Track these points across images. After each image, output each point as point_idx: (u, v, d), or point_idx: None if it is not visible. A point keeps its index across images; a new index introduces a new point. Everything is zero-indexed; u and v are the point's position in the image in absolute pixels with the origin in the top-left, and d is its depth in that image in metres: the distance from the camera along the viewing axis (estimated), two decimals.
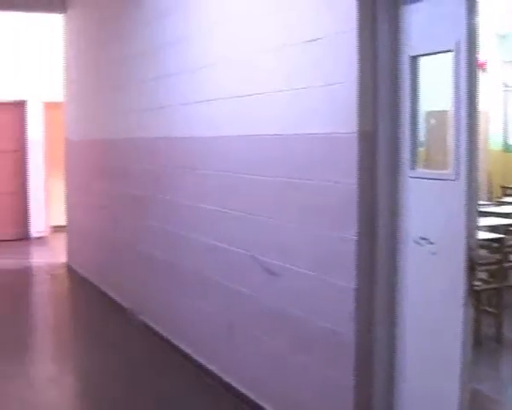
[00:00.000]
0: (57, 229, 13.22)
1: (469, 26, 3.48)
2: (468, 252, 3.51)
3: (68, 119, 10.80)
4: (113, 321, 7.78)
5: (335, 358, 4.21)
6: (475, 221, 3.62)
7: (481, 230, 6.34)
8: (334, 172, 4.14)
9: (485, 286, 6.53)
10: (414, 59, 3.83)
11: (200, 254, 6.00)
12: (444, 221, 3.68)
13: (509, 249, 7.08)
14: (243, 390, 5.30)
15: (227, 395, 5.47)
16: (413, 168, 3.87)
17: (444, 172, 3.73)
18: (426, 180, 3.80)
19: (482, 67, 10.50)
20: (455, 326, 3.59)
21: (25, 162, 13.54)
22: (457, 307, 3.56)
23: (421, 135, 3.92)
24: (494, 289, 6.63)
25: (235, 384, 5.43)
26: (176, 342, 6.54)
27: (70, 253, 10.97)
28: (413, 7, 3.81)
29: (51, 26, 11.85)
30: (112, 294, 8.56)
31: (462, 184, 3.54)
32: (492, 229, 7.00)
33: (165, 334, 6.81)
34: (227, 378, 5.55)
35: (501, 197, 10.42)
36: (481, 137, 8.01)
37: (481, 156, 7.88)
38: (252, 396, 5.18)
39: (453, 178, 3.58)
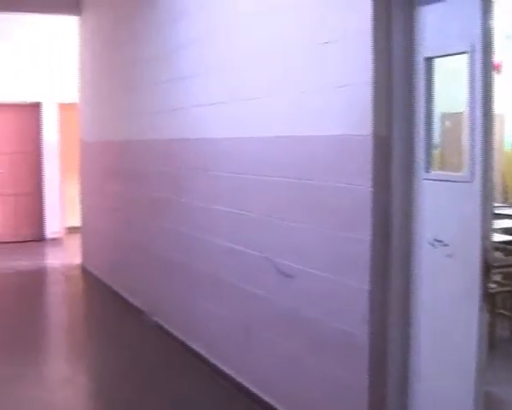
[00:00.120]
0: (72, 230, 13.28)
1: (484, 27, 3.47)
2: (483, 254, 3.50)
3: (83, 120, 10.84)
4: (127, 322, 7.80)
5: (349, 359, 4.20)
6: (490, 223, 3.60)
7: (496, 232, 6.30)
8: (349, 173, 4.14)
9: (500, 289, 6.49)
10: (429, 60, 3.81)
11: (214, 256, 6.00)
12: (458, 223, 3.67)
13: None
14: (257, 392, 5.30)
15: (240, 396, 5.47)
16: (428, 170, 3.85)
17: (459, 174, 3.72)
18: (441, 182, 3.79)
19: (497, 68, 10.47)
20: (469, 328, 3.57)
21: (40, 164, 13.60)
22: (472, 310, 3.55)
23: (436, 137, 3.90)
24: (509, 291, 6.59)
25: (248, 386, 5.43)
26: (190, 343, 6.55)
27: (85, 254, 11.01)
28: (428, 8, 3.80)
29: (66, 29, 11.90)
30: (126, 295, 8.58)
31: (477, 186, 3.52)
32: (507, 231, 6.96)
33: (179, 335, 6.82)
34: (241, 380, 5.55)
35: None
36: (496, 139, 7.97)
37: (496, 158, 7.85)
38: (265, 398, 5.18)
39: (468, 179, 3.57)
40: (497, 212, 7.08)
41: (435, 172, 3.85)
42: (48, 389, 5.90)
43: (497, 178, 9.73)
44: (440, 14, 3.73)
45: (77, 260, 11.22)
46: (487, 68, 3.48)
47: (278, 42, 4.91)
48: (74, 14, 10.80)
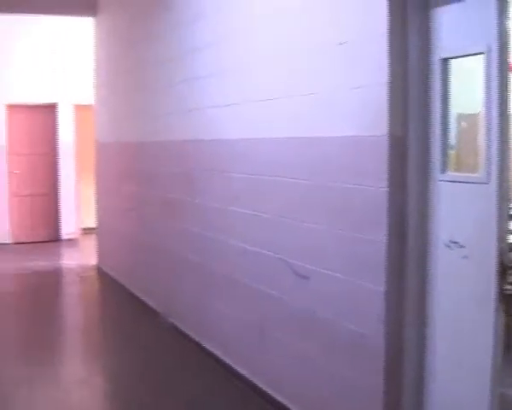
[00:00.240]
0: (87, 231, 13.33)
1: (501, 28, 3.46)
2: (499, 255, 3.49)
3: (98, 121, 10.88)
4: (142, 323, 7.82)
5: (364, 360, 4.19)
6: (506, 224, 3.58)
7: None
8: (364, 174, 4.13)
9: None
10: (445, 61, 3.80)
11: (229, 257, 6.01)
12: (474, 225, 3.65)
13: None
14: (271, 392, 5.30)
15: (255, 396, 5.48)
16: (444, 171, 3.84)
17: (474, 175, 3.70)
18: (456, 183, 3.77)
19: None
20: (485, 330, 3.56)
21: (56, 164, 13.66)
22: (488, 311, 3.53)
23: (452, 138, 3.89)
24: None
25: (262, 386, 5.43)
26: (204, 344, 6.56)
27: (100, 255, 11.05)
28: (444, 9, 3.79)
29: (82, 30, 11.96)
30: (142, 296, 8.60)
31: (493, 187, 3.51)
32: None
33: (194, 336, 6.83)
34: (255, 380, 5.55)
35: None
36: None
37: None
38: (279, 398, 5.18)
39: (484, 181, 3.56)
40: None
41: (451, 173, 3.83)
42: (63, 389, 5.92)
43: None
44: (456, 15, 3.72)
45: (92, 260, 11.27)
46: (503, 69, 3.46)
47: (293, 43, 4.91)
48: (90, 16, 10.85)
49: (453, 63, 3.79)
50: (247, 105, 5.62)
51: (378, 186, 3.99)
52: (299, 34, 4.82)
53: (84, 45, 11.88)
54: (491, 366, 3.54)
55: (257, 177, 5.45)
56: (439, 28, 3.82)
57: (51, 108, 13.50)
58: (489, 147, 3.51)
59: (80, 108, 13.40)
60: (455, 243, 3.75)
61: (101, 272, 10.73)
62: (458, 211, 3.75)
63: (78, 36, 12.66)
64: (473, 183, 3.67)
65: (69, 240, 13.62)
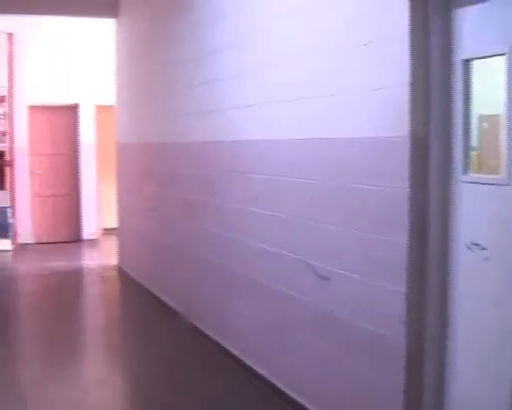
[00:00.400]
0: (108, 231, 13.36)
1: None
2: None
3: (120, 122, 10.93)
4: (163, 324, 7.84)
5: (385, 360, 4.18)
6: None
7: None
8: (386, 175, 4.11)
9: None
10: (466, 62, 3.78)
11: (249, 258, 6.01)
12: (496, 227, 3.63)
13: None
14: (290, 393, 5.30)
15: (274, 397, 5.48)
16: (465, 173, 3.82)
17: (496, 176, 3.68)
18: (478, 185, 3.75)
19: None
20: (507, 331, 3.54)
21: (77, 165, 13.73)
22: (509, 313, 3.51)
23: (474, 139, 3.86)
24: None
25: (282, 386, 5.43)
26: (224, 344, 6.56)
27: (121, 255, 11.09)
28: (465, 10, 3.77)
29: (103, 31, 12.02)
30: (162, 296, 8.62)
31: None
32: None
33: (214, 337, 6.84)
34: (274, 381, 5.55)
35: None
36: None
37: None
38: (299, 399, 5.17)
39: (506, 182, 3.53)
40: None
41: (473, 175, 3.81)
42: (84, 389, 5.95)
43: None
44: (478, 16, 3.70)
45: (113, 261, 11.31)
46: None
47: (313, 44, 4.90)
48: (112, 17, 10.91)
49: (475, 64, 3.77)
50: (267, 106, 5.62)
51: (399, 187, 3.97)
52: (320, 35, 4.81)
53: (105, 46, 11.94)
54: None
55: (276, 178, 5.45)
56: (460, 29, 3.80)
57: (73, 109, 13.57)
58: (511, 148, 3.49)
59: (101, 109, 13.46)
60: (476, 245, 3.72)
61: (121, 272, 10.77)
62: (480, 212, 3.73)
63: (99, 37, 12.72)
64: (494, 184, 3.65)
65: (90, 240, 13.67)
